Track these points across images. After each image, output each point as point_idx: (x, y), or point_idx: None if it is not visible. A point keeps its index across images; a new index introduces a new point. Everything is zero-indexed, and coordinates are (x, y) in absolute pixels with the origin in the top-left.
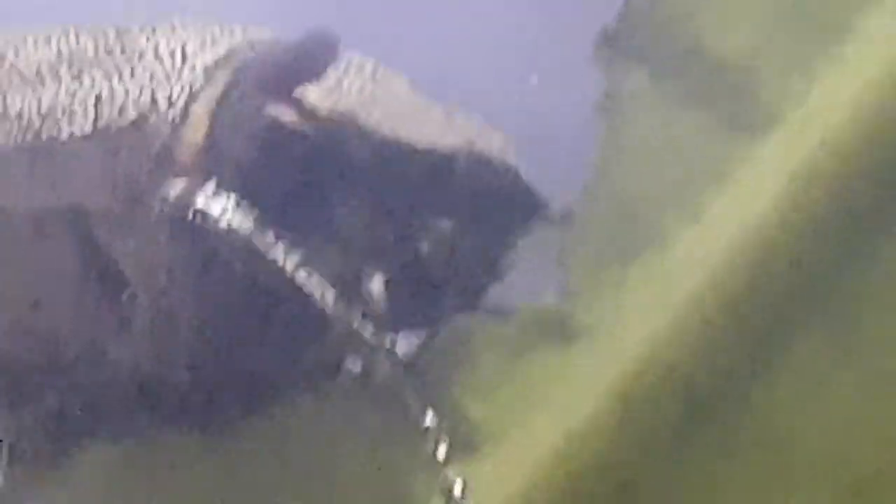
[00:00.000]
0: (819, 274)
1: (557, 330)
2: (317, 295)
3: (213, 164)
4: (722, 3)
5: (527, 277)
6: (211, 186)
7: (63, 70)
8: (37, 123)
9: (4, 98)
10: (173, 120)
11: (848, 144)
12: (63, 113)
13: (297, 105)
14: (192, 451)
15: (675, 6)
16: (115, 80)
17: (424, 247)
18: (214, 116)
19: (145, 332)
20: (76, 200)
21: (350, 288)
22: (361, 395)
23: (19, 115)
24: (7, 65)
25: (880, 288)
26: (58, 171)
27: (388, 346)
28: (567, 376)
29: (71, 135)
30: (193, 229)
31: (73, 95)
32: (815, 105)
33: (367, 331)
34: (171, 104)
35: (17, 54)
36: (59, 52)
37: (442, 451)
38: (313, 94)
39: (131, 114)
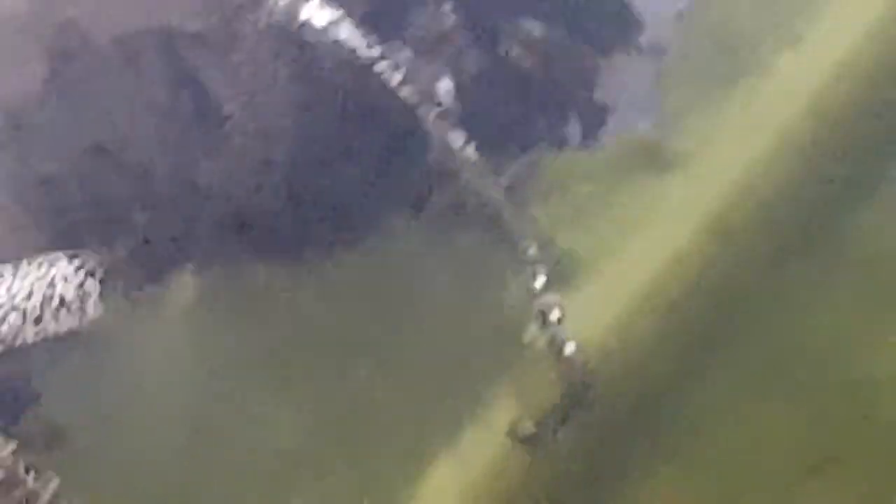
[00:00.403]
0: None
1: (653, 158)
2: (420, 110)
3: None
4: None
5: (622, 105)
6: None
7: None
8: None
9: None
10: None
11: None
12: None
13: None
14: (282, 281)
15: None
16: None
17: (516, 49)
18: None
19: (239, 155)
20: (166, 21)
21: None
22: (455, 222)
23: None
24: None
25: None
26: None
27: (491, 169)
28: (663, 204)
29: None
30: (297, 41)
31: None
32: None
33: (470, 151)
34: None
35: None
36: None
37: (540, 280)
38: None
39: None
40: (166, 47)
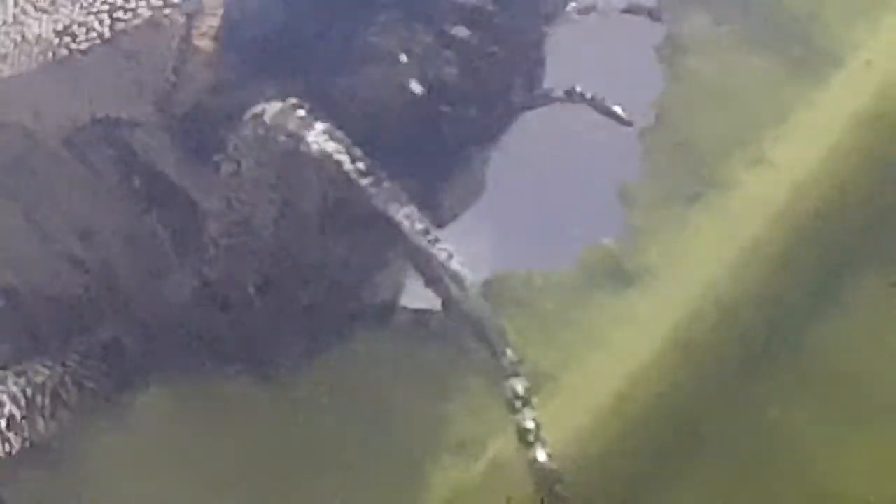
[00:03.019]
0: (880, 215)
1: (617, 272)
2: (401, 219)
3: (232, 45)
4: None
5: (587, 218)
6: (303, 111)
7: None
8: (55, 41)
9: (21, 27)
10: (187, 12)
11: None
12: (80, 27)
13: None
14: (247, 395)
15: None
16: None
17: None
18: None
19: (214, 261)
20: (107, 111)
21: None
22: (420, 333)
23: (38, 38)
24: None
25: None
26: (83, 84)
27: (464, 276)
28: (627, 319)
29: (90, 45)
30: (282, 151)
31: (88, 9)
32: (876, 50)
33: (449, 260)
34: None
35: None
36: None
37: (519, 387)
38: None
39: (146, 13)
40: (113, 136)
